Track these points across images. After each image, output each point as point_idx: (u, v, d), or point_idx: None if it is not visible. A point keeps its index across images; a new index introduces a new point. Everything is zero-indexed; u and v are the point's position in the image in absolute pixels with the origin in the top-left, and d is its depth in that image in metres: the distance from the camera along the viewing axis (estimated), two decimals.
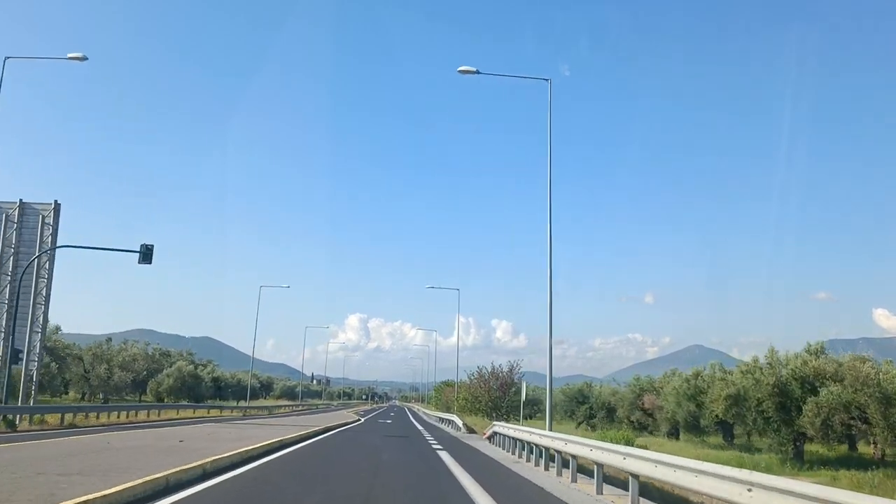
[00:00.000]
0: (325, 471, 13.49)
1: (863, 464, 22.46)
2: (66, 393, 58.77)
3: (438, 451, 19.81)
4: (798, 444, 25.03)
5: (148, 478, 8.85)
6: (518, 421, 39.29)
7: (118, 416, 33.76)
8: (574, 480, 12.78)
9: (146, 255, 25.99)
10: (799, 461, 23.76)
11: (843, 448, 26.39)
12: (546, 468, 15.17)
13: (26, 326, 26.61)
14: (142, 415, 37.45)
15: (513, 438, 19.83)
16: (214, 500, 8.92)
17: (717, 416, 31.58)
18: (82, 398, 55.46)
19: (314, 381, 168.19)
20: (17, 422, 23.63)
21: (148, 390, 63.41)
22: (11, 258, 26.97)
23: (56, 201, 27.28)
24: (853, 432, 24.91)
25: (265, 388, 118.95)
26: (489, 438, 25.68)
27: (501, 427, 22.41)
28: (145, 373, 61.44)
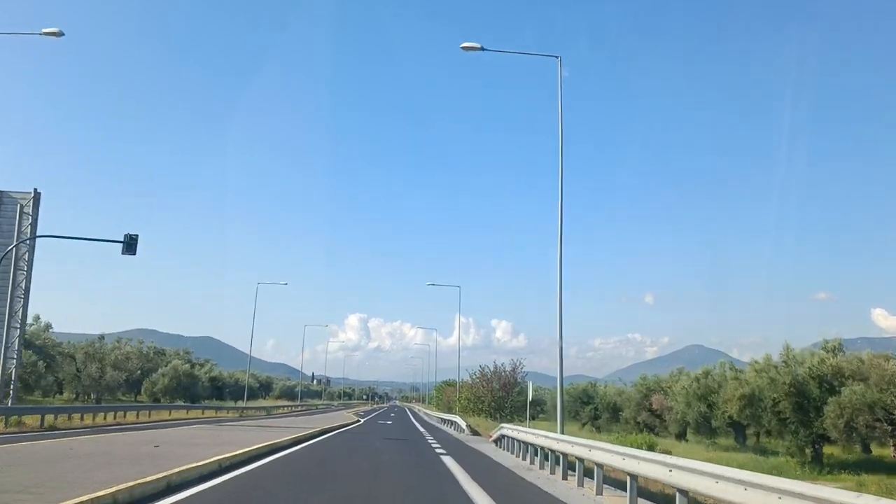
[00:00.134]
0: (320, 479, 11.85)
1: (884, 467, 21.59)
2: (61, 393, 57.16)
3: (442, 457, 18.18)
4: (816, 446, 24.04)
5: (91, 496, 7.23)
6: (522, 422, 37.79)
7: (104, 418, 32.12)
8: (599, 493, 11.16)
9: (130, 245, 24.38)
10: (817, 464, 22.80)
11: (857, 450, 25.61)
12: (564, 477, 13.53)
13: (3, 321, 25.01)
14: (131, 416, 35.76)
15: (523, 442, 18.17)
16: None
17: (730, 416, 30.47)
18: (76, 398, 53.89)
19: (314, 382, 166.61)
20: None
21: (143, 390, 61.76)
22: None
23: (35, 189, 25.69)
24: (876, 434, 23.72)
25: (264, 389, 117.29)
26: (496, 441, 24.04)
27: (510, 429, 20.73)
28: (139, 372, 59.83)
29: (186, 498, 8.63)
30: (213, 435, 20.62)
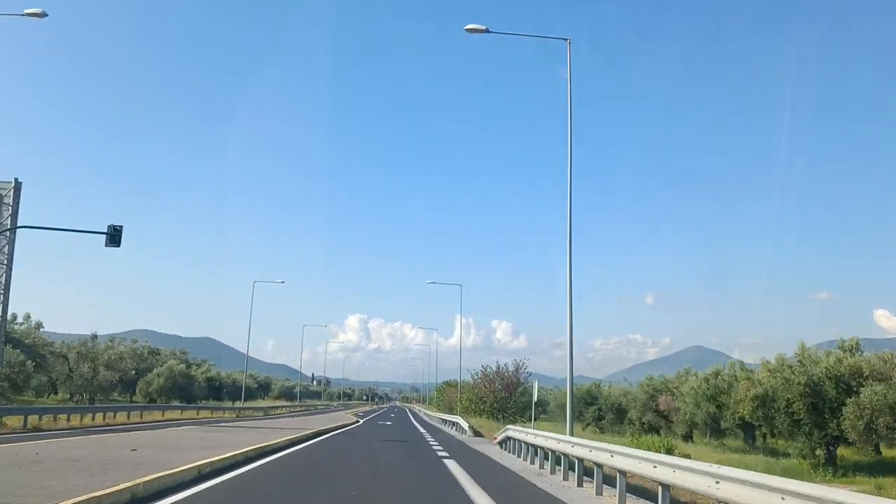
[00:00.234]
0: (312, 484, 10.65)
1: None
2: (56, 393, 55.93)
3: (445, 460, 16.95)
4: (830, 448, 23.33)
5: None
6: (525, 423, 36.66)
7: (92, 419, 30.89)
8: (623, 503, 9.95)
9: (114, 237, 23.18)
10: (831, 467, 22.05)
11: (870, 452, 24.59)
12: (579, 483, 12.33)
13: None
14: (122, 417, 34.53)
15: (531, 445, 16.95)
16: None
17: (741, 418, 29.57)
18: (70, 398, 52.67)
19: (314, 382, 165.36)
20: None
21: (137, 391, 60.51)
22: None
23: (16, 179, 24.47)
24: (894, 436, 22.95)
25: (263, 389, 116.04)
26: (500, 444, 22.83)
27: (516, 431, 19.49)
28: (134, 372, 58.55)
29: None
30: (201, 437, 19.40)
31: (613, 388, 57.26)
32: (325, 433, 27.20)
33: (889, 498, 5.34)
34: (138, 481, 8.55)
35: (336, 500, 9.51)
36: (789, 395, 23.55)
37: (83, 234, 24.40)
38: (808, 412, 23.10)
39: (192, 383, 65.69)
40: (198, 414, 46.73)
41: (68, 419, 28.76)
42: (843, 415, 21.71)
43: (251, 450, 15.01)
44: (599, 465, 11.30)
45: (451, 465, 15.63)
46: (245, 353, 62.11)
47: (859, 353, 25.14)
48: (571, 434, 17.42)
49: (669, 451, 16.05)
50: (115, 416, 33.52)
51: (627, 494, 10.20)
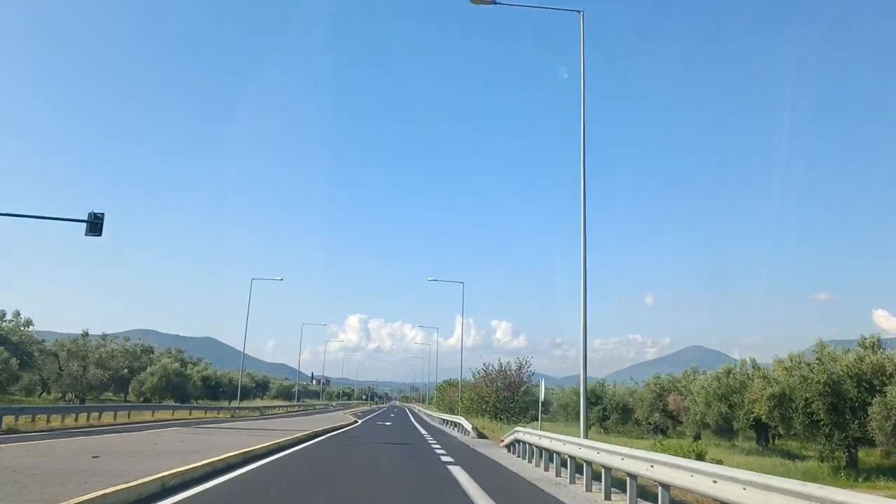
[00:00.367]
0: (304, 494, 9.03)
1: None
2: (49, 393, 54.26)
3: (450, 466, 15.29)
4: (851, 450, 22.51)
5: None
6: (527, 423, 35.18)
7: (76, 419, 29.23)
8: None
9: (94, 225, 21.56)
10: (853, 469, 21.11)
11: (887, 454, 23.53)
12: (607, 497, 10.67)
13: None
14: (108, 417, 32.89)
15: (545, 449, 15.29)
16: None
17: (755, 418, 28.47)
18: (62, 398, 51.01)
19: (314, 382, 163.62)
20: None
21: (130, 390, 58.82)
22: None
23: None
24: None
25: (261, 388, 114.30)
26: (508, 447, 21.18)
27: (527, 433, 17.78)
28: (127, 371, 56.88)
29: None
30: (182, 440, 17.74)
31: (619, 388, 55.85)
32: (320, 435, 25.58)
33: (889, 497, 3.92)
34: (83, 499, 6.91)
35: None
36: (808, 395, 22.60)
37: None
38: (828, 412, 22.12)
39: (186, 382, 63.98)
40: (190, 414, 45.11)
41: (48, 420, 27.13)
42: (866, 415, 20.76)
43: (233, 455, 13.36)
44: (633, 476, 9.66)
45: (458, 472, 13.98)
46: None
47: (881, 350, 23.86)
48: (586, 436, 15.81)
49: (700, 457, 14.46)
50: (100, 417, 31.88)
51: None
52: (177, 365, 61.92)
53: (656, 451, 15.16)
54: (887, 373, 21.32)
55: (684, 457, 13.06)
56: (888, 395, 20.05)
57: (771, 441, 33.58)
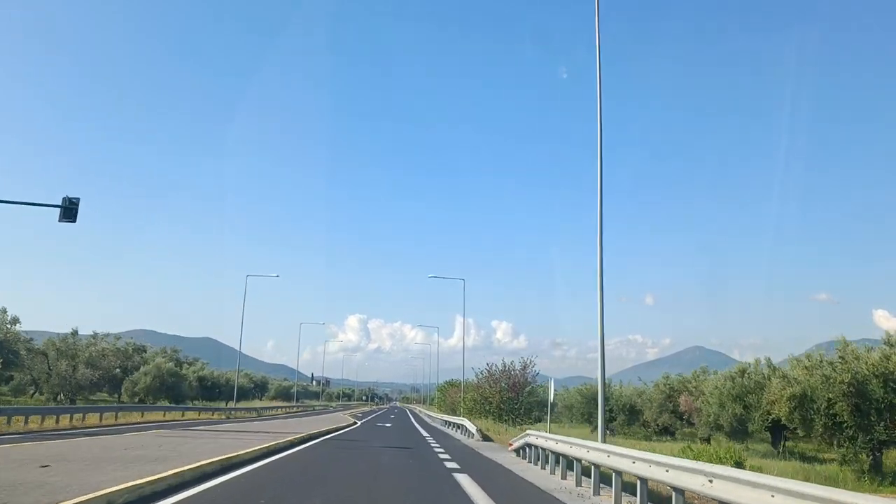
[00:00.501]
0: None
1: None
2: (41, 393, 52.60)
3: (456, 474, 13.63)
4: (876, 453, 21.31)
5: None
6: (531, 425, 33.71)
7: (56, 422, 27.60)
8: None
9: (68, 210, 19.95)
10: (877, 474, 20.01)
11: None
12: None
13: None
14: (93, 418, 31.24)
15: (561, 455, 13.64)
16: None
17: (773, 419, 27.18)
18: (53, 398, 49.37)
19: (314, 382, 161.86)
20: None
21: (123, 390, 57.15)
22: None
23: None
24: None
25: (259, 389, 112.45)
26: (518, 451, 19.53)
27: (540, 438, 16.11)
28: (119, 370, 55.21)
29: None
30: (159, 444, 16.07)
31: (626, 388, 54.37)
32: (318, 437, 23.97)
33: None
34: None
35: None
36: (830, 395, 21.36)
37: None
38: (852, 414, 20.85)
39: (182, 383, 62.25)
40: (183, 415, 43.46)
41: (26, 422, 25.49)
42: (892, 416, 19.70)
43: (209, 463, 11.70)
44: (680, 491, 8.00)
45: (465, 481, 12.33)
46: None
47: None
48: (603, 440, 14.19)
49: (739, 465, 12.85)
50: (84, 419, 30.19)
51: None
52: (171, 365, 60.23)
53: (686, 457, 13.51)
54: None
55: (720, 464, 11.44)
56: None
57: (783, 444, 32.17)
